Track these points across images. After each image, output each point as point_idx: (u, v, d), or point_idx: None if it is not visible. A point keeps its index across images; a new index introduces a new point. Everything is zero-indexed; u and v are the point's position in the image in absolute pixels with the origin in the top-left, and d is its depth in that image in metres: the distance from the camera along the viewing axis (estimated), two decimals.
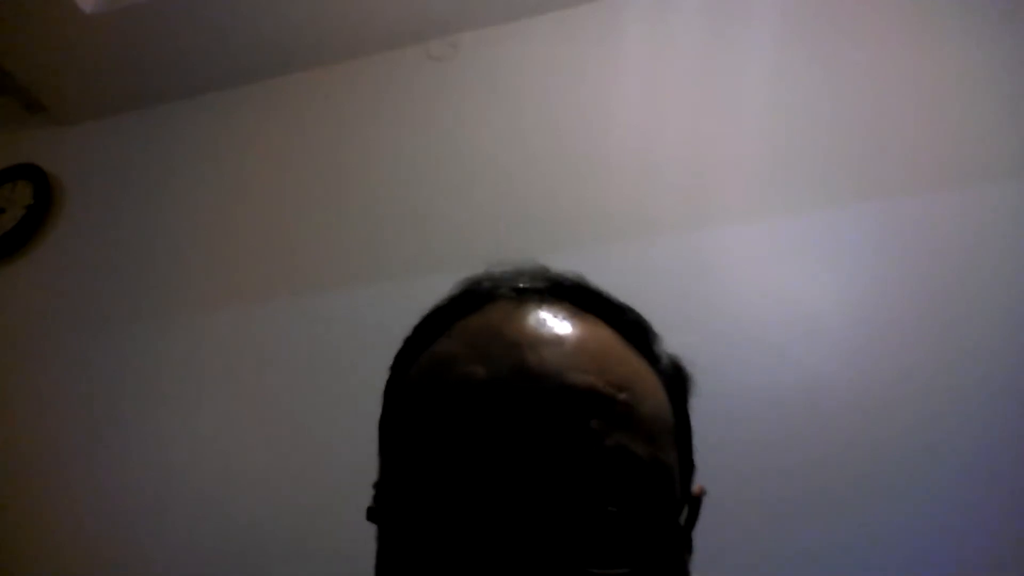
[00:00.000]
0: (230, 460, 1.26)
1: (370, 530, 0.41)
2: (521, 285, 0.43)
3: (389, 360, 0.47)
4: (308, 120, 1.58)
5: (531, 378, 0.37)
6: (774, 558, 0.97)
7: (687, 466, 0.43)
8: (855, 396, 1.05)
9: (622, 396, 0.38)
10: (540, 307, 0.41)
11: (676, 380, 0.46)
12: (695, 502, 0.44)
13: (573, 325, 0.40)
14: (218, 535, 1.20)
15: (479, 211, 1.36)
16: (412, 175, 1.44)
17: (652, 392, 0.41)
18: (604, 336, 0.41)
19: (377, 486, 0.40)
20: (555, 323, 0.40)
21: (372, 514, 0.39)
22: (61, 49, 1.59)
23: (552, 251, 1.27)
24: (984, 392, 1.00)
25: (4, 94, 1.76)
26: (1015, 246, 1.08)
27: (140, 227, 1.56)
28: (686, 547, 0.41)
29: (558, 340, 0.39)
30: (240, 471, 1.25)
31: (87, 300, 1.51)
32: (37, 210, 1.62)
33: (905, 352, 1.06)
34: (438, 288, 0.48)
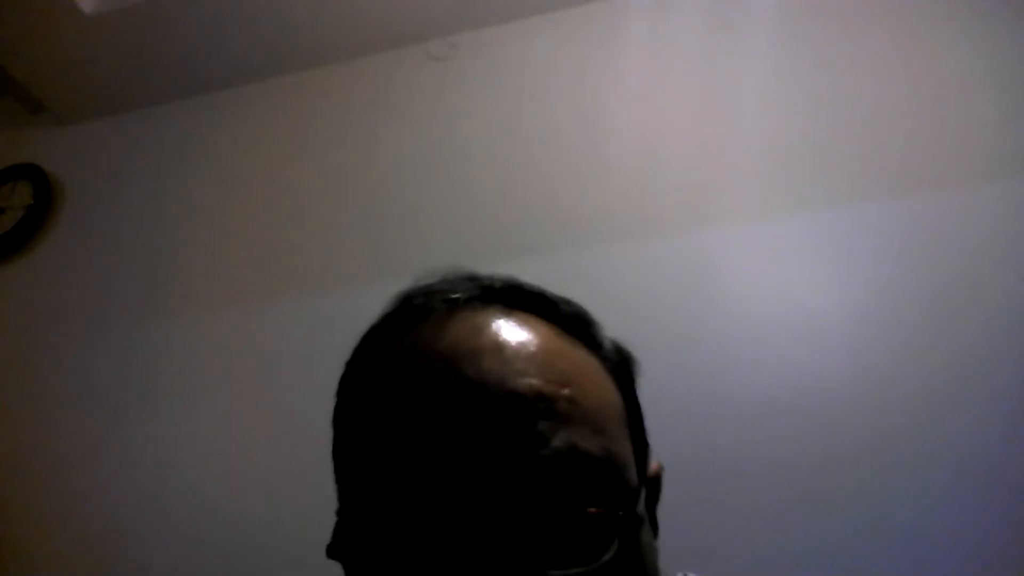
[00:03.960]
0: (230, 460, 1.26)
1: None
2: (453, 296, 0.43)
3: None
4: (308, 120, 1.58)
5: (472, 390, 0.36)
6: (774, 558, 0.97)
7: (641, 448, 0.44)
8: (855, 395, 1.05)
9: (565, 392, 0.38)
10: (474, 316, 0.41)
11: (621, 364, 0.46)
12: (653, 482, 0.44)
13: (509, 328, 0.40)
14: (218, 535, 1.20)
15: (479, 211, 1.36)
16: (412, 175, 1.44)
17: (596, 382, 0.41)
18: (541, 333, 0.41)
19: (336, 521, 0.40)
20: (490, 330, 0.40)
21: (332, 551, 0.39)
22: (61, 49, 1.59)
23: (552, 251, 1.28)
24: (984, 392, 1.00)
25: (4, 94, 1.76)
26: (1015, 246, 1.08)
27: (140, 227, 1.56)
28: (649, 529, 0.41)
29: (495, 347, 0.39)
30: (240, 471, 1.25)
31: (87, 300, 1.51)
32: (37, 210, 1.62)
33: (905, 352, 1.06)
34: None
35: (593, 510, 0.35)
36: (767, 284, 1.16)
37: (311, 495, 1.17)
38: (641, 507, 0.39)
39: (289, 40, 1.58)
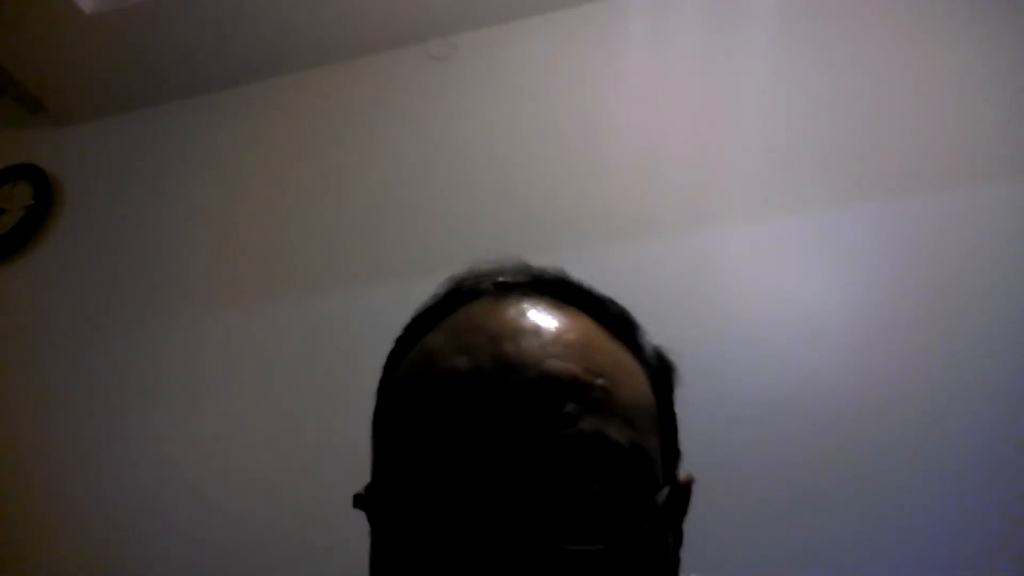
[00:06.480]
0: (230, 460, 1.26)
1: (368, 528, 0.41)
2: (503, 280, 0.45)
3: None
4: (308, 120, 1.58)
5: (510, 367, 0.38)
6: (774, 558, 0.97)
7: (671, 453, 0.44)
8: (855, 395, 1.05)
9: (599, 382, 0.39)
10: (521, 300, 0.42)
11: (660, 370, 0.47)
12: (683, 489, 0.45)
13: (553, 316, 0.41)
14: (218, 535, 1.20)
15: (479, 211, 1.36)
16: (412, 175, 1.44)
17: (632, 380, 0.42)
18: (584, 326, 0.42)
19: (371, 478, 0.42)
20: (535, 315, 0.41)
21: (359, 501, 0.40)
22: (61, 49, 1.59)
23: (552, 251, 1.27)
24: (984, 392, 1.00)
25: (4, 94, 1.76)
26: (1015, 246, 1.08)
27: (140, 227, 1.56)
28: (671, 531, 0.41)
29: (537, 330, 0.40)
30: (240, 471, 1.25)
31: (87, 300, 1.51)
32: (37, 210, 1.62)
33: (905, 352, 1.06)
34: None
35: (613, 491, 0.36)
36: (767, 284, 1.16)
37: (311, 495, 1.18)
38: (663, 501, 0.39)
39: (289, 40, 1.58)
